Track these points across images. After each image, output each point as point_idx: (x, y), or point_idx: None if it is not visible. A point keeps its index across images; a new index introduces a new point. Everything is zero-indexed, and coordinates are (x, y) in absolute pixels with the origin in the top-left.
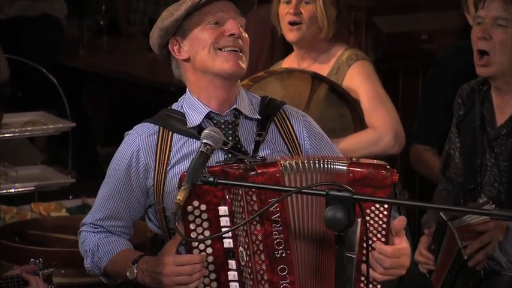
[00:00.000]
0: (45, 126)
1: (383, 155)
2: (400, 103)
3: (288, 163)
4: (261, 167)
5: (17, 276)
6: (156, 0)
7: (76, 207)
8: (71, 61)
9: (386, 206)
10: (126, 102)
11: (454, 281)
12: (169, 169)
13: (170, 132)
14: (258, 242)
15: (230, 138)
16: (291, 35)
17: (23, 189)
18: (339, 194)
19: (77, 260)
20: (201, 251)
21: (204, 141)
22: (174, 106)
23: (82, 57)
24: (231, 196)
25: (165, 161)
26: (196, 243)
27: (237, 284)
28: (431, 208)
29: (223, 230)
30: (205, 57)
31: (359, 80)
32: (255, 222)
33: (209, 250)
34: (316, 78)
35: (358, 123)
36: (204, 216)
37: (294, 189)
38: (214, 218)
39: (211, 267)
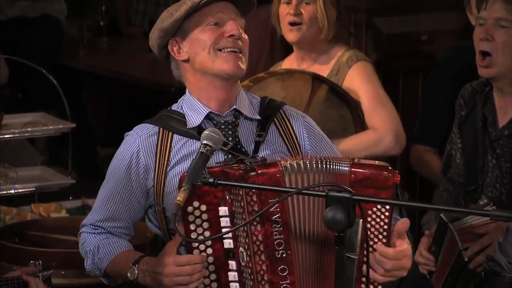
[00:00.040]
0: (45, 127)
1: (383, 156)
2: (400, 104)
3: (289, 163)
4: (261, 167)
5: (17, 277)
6: (157, 1)
7: (76, 208)
8: (71, 62)
9: (387, 207)
10: (126, 103)
11: (454, 283)
12: (169, 170)
13: (170, 133)
14: (258, 243)
15: (230, 138)
16: (291, 36)
17: (23, 190)
18: (339, 194)
19: (77, 261)
20: (201, 251)
21: (204, 142)
22: (174, 107)
23: (82, 58)
24: (231, 196)
25: (165, 162)
26: (196, 244)
27: (237, 284)
28: (432, 209)
29: (224, 230)
30: (205, 58)
31: (359, 81)
32: (255, 223)
33: (209, 250)
34: (317, 79)
35: (359, 124)
36: (204, 216)
37: (294, 190)
38: (214, 219)
39: (212, 267)
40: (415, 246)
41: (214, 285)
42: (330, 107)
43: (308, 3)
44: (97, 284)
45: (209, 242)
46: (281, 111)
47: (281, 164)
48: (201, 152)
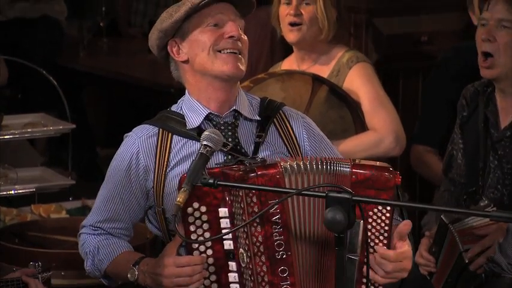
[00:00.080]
0: (45, 128)
1: (384, 157)
2: (400, 105)
3: (289, 164)
4: (261, 168)
5: (16, 279)
6: (157, 1)
7: (76, 209)
8: (71, 63)
9: (388, 208)
10: (126, 103)
11: (454, 284)
12: (169, 171)
13: (170, 134)
14: (258, 244)
15: (230, 139)
16: (291, 36)
17: (23, 190)
18: (339, 195)
19: (77, 262)
20: (201, 252)
21: (204, 142)
22: (174, 108)
23: (82, 58)
24: (231, 198)
25: (165, 163)
26: (196, 245)
27: (237, 285)
28: (432, 210)
29: (224, 231)
30: (204, 59)
31: (359, 82)
32: (255, 224)
33: (209, 252)
34: (317, 80)
35: (359, 125)
36: (204, 217)
37: (294, 190)
38: (214, 220)
39: (212, 268)
40: (415, 247)
41: (215, 286)
42: (330, 108)
43: (308, 4)
44: (97, 285)
45: (209, 243)
46: (281, 112)
47: (281, 165)
48: (200, 152)
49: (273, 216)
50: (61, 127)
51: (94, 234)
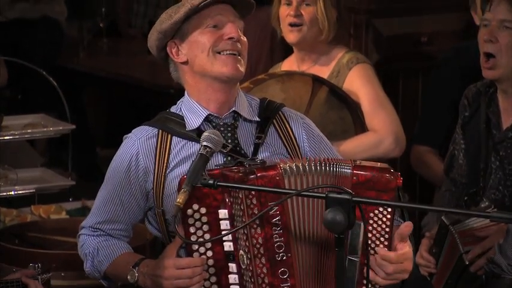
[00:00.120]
0: (45, 129)
1: (384, 158)
2: (400, 105)
3: (288, 166)
4: (260, 170)
5: (16, 280)
6: (157, 2)
7: (76, 210)
8: (71, 63)
9: (389, 209)
10: (126, 104)
11: (455, 285)
12: (169, 172)
13: (169, 135)
14: (258, 246)
15: (229, 140)
16: (291, 37)
17: (23, 191)
18: (339, 196)
19: (77, 263)
20: (201, 254)
21: (204, 143)
22: (173, 109)
23: (82, 59)
24: (231, 199)
25: (165, 164)
26: (196, 247)
27: (237, 287)
28: (432, 210)
29: (224, 233)
30: (204, 60)
31: (359, 83)
32: (255, 226)
33: (209, 253)
34: (317, 80)
35: (359, 126)
36: (204, 219)
37: (294, 191)
38: (214, 221)
39: (212, 270)
40: (415, 248)
41: (215, 287)
42: (330, 109)
43: (308, 5)
44: (96, 285)
45: (209, 245)
46: (280, 113)
47: (280, 167)
48: (200, 153)
49: (273, 217)
50: (61, 128)
51: (93, 236)
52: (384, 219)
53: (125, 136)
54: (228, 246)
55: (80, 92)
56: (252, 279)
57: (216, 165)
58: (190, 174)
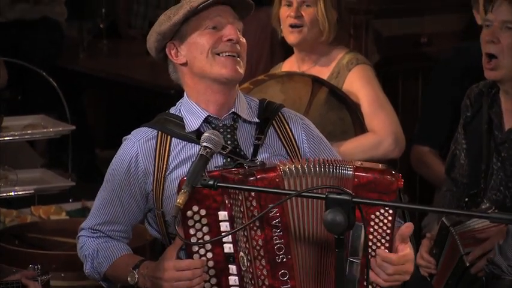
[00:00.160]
0: (45, 130)
1: (383, 159)
2: (400, 106)
3: (288, 168)
4: (260, 172)
5: (16, 281)
6: (157, 3)
7: (76, 211)
8: (71, 64)
9: (391, 211)
10: (126, 105)
11: (455, 287)
12: (168, 174)
13: (169, 137)
14: (258, 248)
15: (229, 142)
16: (291, 38)
17: (22, 192)
18: (339, 197)
19: (77, 264)
20: (201, 255)
21: (204, 144)
22: (172, 110)
23: (82, 60)
24: (231, 201)
25: (164, 166)
26: (196, 248)
27: None
28: (432, 211)
29: (223, 234)
30: (203, 62)
31: (359, 84)
32: (255, 228)
33: (209, 255)
34: (317, 81)
35: (358, 127)
36: (204, 221)
37: (294, 192)
38: (214, 223)
39: (212, 272)
40: (416, 249)
41: None
42: (329, 110)
43: (309, 6)
44: (96, 286)
45: (209, 247)
46: (280, 113)
47: (280, 169)
48: (200, 154)
49: (273, 219)
50: (61, 129)
51: (93, 237)
52: (385, 220)
53: (124, 138)
54: (228, 248)
55: (80, 93)
56: (253, 281)
57: (215, 167)
58: (190, 175)
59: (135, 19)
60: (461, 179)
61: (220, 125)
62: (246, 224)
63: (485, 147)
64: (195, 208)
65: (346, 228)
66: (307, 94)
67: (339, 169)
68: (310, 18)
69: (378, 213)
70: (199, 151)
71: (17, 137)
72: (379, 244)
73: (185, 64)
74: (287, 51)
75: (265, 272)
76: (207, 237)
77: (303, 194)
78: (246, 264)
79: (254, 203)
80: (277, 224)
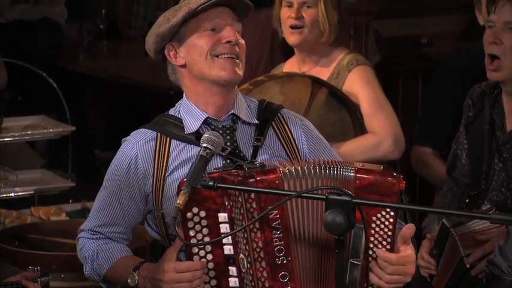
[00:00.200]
0: (45, 130)
1: (383, 160)
2: (400, 107)
3: (288, 169)
4: (260, 174)
5: (16, 282)
6: (157, 4)
7: (76, 211)
8: (71, 65)
9: (392, 213)
10: (126, 106)
11: None
12: (168, 175)
13: (168, 138)
14: (258, 250)
15: (228, 143)
16: (292, 38)
17: (22, 193)
18: (339, 198)
19: (77, 264)
20: (201, 257)
21: (204, 145)
22: (171, 111)
23: (82, 61)
24: (231, 203)
25: (164, 168)
26: (196, 250)
27: None
28: (432, 212)
29: (223, 235)
30: (202, 64)
31: (359, 85)
32: (255, 230)
33: (209, 257)
34: (316, 82)
35: (358, 127)
36: (204, 222)
37: (294, 193)
38: (214, 225)
39: (212, 273)
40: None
41: None
42: (329, 111)
43: (309, 7)
44: (96, 287)
45: (209, 248)
46: (279, 114)
47: (280, 170)
48: (200, 155)
49: (273, 221)
50: (61, 129)
51: (93, 239)
52: (387, 222)
53: (124, 139)
54: (228, 249)
55: (80, 94)
56: (253, 283)
57: (215, 169)
58: (190, 175)
59: (135, 20)
60: (462, 178)
61: (220, 126)
62: (246, 225)
63: (487, 148)
64: (195, 210)
65: (346, 229)
66: (307, 95)
67: (341, 171)
68: (311, 19)
69: (379, 215)
70: (199, 152)
71: (17, 138)
72: (380, 246)
73: (184, 66)
74: (288, 51)
75: (265, 274)
76: (207, 239)
77: (303, 194)
78: (246, 266)
79: (254, 205)
80: (277, 226)
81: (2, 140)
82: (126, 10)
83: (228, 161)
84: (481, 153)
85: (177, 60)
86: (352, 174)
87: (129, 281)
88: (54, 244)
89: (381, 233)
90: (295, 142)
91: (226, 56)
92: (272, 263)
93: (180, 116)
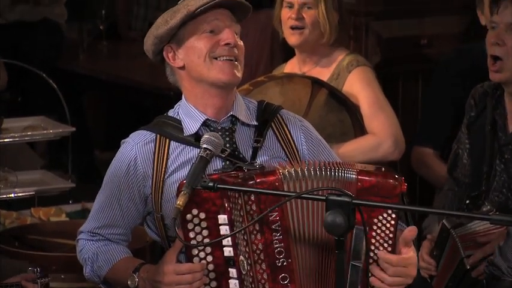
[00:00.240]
0: (45, 131)
1: (383, 161)
2: (400, 108)
3: (287, 171)
4: (259, 175)
5: (16, 283)
6: (157, 5)
7: (76, 212)
8: (71, 66)
9: (394, 215)
10: (126, 106)
11: None
12: (167, 177)
13: (167, 140)
14: (258, 252)
15: (228, 145)
16: (293, 39)
17: (22, 194)
18: (339, 198)
19: (77, 265)
20: (201, 259)
21: (204, 146)
22: (170, 113)
23: (82, 61)
24: (231, 205)
25: (163, 169)
26: (196, 252)
27: None
28: (433, 213)
29: (223, 236)
30: (200, 66)
31: (359, 86)
32: (255, 232)
33: (209, 258)
34: (316, 83)
35: (358, 128)
36: (204, 224)
37: (294, 193)
38: (213, 227)
39: (212, 275)
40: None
41: None
42: (329, 112)
43: (310, 8)
44: None
45: (209, 250)
46: (278, 115)
47: (280, 172)
48: (200, 156)
49: (273, 223)
50: (61, 130)
51: (92, 241)
52: (388, 224)
53: (123, 141)
54: (228, 251)
55: (79, 95)
56: (253, 285)
57: (214, 170)
58: (190, 176)
59: (135, 21)
60: (463, 178)
61: (219, 128)
62: (246, 226)
63: (489, 149)
64: (195, 211)
65: (346, 229)
66: (306, 96)
67: (342, 172)
68: (311, 20)
69: (380, 217)
70: (199, 153)
71: (17, 139)
72: (381, 248)
73: (182, 68)
74: (288, 52)
75: (265, 276)
76: (207, 241)
77: (303, 195)
78: (246, 268)
79: (254, 207)
80: (277, 228)
81: (2, 140)
82: (126, 11)
83: (228, 162)
84: (483, 153)
85: (176, 62)
86: (354, 176)
87: (129, 282)
88: (54, 245)
89: (383, 235)
90: (294, 143)
91: (224, 58)
92: (272, 265)
93: (179, 117)
